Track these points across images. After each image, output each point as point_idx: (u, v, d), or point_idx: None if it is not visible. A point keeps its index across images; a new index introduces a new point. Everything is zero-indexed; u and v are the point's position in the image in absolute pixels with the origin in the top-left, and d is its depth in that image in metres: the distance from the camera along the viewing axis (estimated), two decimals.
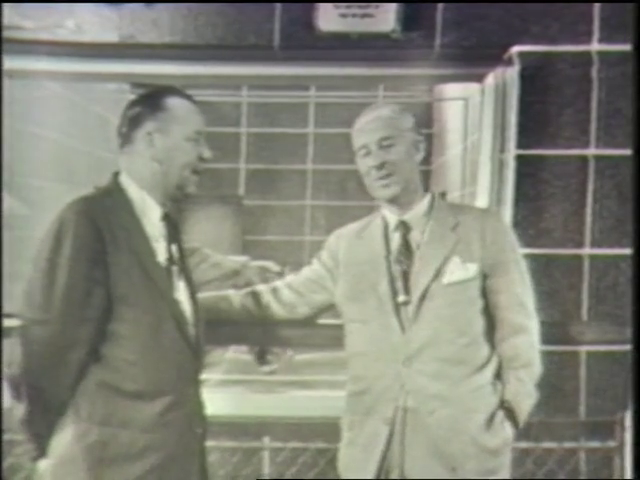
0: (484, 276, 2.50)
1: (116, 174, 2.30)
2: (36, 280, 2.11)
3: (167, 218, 2.31)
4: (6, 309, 2.90)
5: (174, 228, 2.34)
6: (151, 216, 2.27)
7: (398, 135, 2.51)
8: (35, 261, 2.13)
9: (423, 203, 2.57)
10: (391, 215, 2.58)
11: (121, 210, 2.22)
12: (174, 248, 2.31)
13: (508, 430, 2.47)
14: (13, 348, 2.12)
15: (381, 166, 2.49)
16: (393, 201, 2.54)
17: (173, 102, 2.29)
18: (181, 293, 2.30)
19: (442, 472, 2.41)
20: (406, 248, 2.53)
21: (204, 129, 2.34)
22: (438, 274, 2.47)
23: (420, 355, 2.44)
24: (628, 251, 3.42)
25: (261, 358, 5.57)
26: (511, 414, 2.47)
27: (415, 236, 2.54)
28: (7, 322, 2.63)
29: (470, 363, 2.46)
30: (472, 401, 2.45)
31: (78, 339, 2.10)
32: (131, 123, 2.28)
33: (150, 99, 2.31)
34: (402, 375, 2.44)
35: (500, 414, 2.46)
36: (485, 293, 2.51)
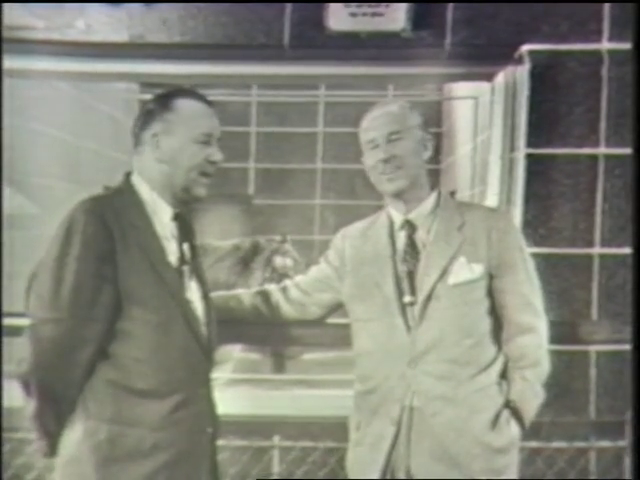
0: (490, 276, 2.49)
1: (128, 174, 2.30)
2: (45, 278, 2.11)
3: (179, 218, 2.31)
4: (16, 308, 2.91)
5: (187, 228, 2.34)
6: (162, 216, 2.26)
7: (406, 131, 2.52)
8: (44, 260, 2.13)
9: (429, 201, 2.57)
10: (397, 214, 2.57)
11: (132, 209, 2.22)
12: (186, 248, 2.30)
13: (514, 430, 2.47)
14: (23, 346, 2.13)
15: (388, 160, 2.49)
16: (399, 196, 2.54)
17: (181, 103, 2.28)
18: (193, 293, 2.30)
19: (448, 472, 2.42)
20: (412, 247, 2.53)
21: (216, 131, 2.31)
22: (444, 275, 2.46)
23: (426, 356, 2.44)
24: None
25: (279, 365, 5.58)
26: (517, 414, 2.47)
27: (421, 235, 2.53)
28: (16, 321, 2.64)
29: (476, 363, 2.46)
30: (477, 401, 2.44)
31: (87, 337, 2.11)
32: (141, 124, 2.28)
33: (161, 100, 2.30)
34: (407, 376, 2.44)
35: (505, 414, 2.46)
36: (491, 293, 2.50)
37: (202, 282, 2.36)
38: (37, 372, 2.11)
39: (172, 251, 2.26)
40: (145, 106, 2.31)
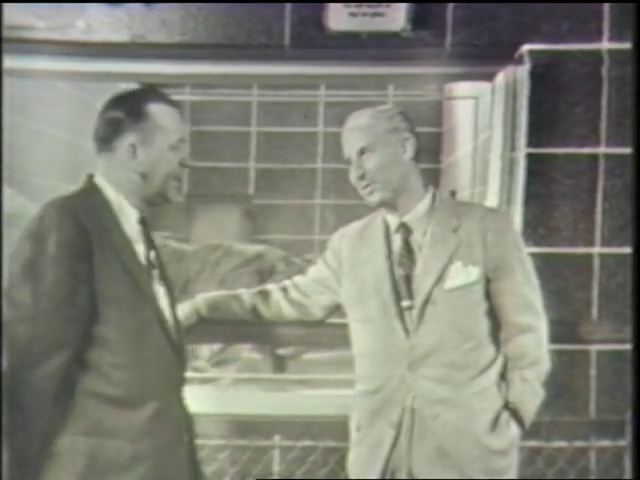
0: (487, 279, 2.48)
1: (91, 176, 2.23)
2: (18, 281, 2.03)
3: (144, 222, 2.25)
4: None
5: (149, 233, 2.28)
6: (129, 218, 2.21)
7: (376, 142, 2.47)
8: (15, 262, 2.05)
9: (423, 203, 2.53)
10: (391, 217, 2.55)
11: (100, 210, 2.16)
12: (152, 253, 2.26)
13: (514, 430, 2.47)
14: None
15: (362, 176, 2.47)
16: (386, 205, 2.51)
17: (154, 109, 2.21)
18: (161, 298, 2.25)
19: (449, 473, 2.42)
20: (407, 251, 2.50)
21: (186, 134, 2.28)
22: (440, 279, 2.44)
23: (425, 360, 2.43)
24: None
25: (279, 365, 5.58)
26: (516, 414, 2.47)
27: (416, 238, 2.51)
28: None
29: (475, 366, 2.46)
30: (477, 403, 2.44)
31: (62, 341, 2.02)
32: (111, 130, 2.21)
33: (131, 105, 2.23)
34: (407, 379, 2.44)
35: (505, 415, 2.46)
36: (489, 295, 2.49)
37: (169, 286, 2.31)
38: (8, 383, 2.00)
39: (140, 254, 2.21)
40: (110, 110, 2.24)
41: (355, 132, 2.50)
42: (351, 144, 2.50)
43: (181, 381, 2.29)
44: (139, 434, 2.11)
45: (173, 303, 2.31)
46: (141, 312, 2.15)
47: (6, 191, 4.33)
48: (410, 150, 2.51)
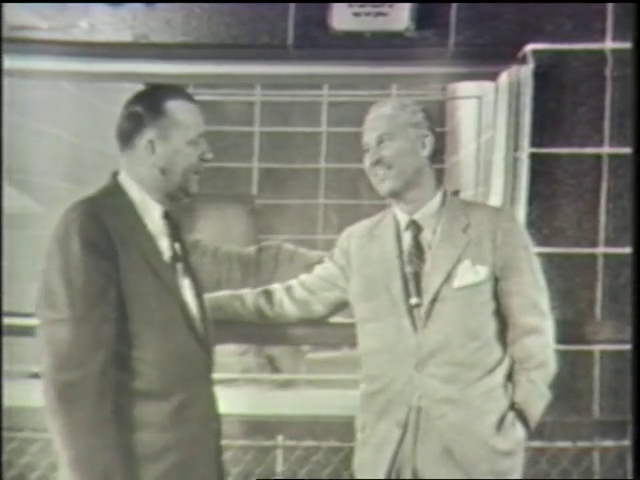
0: (496, 279, 2.48)
1: (115, 174, 2.29)
2: (55, 285, 2.08)
3: (168, 216, 2.31)
4: (16, 308, 2.91)
5: (175, 226, 2.34)
6: (153, 215, 2.26)
7: (397, 131, 2.50)
8: (49, 271, 2.10)
9: (434, 201, 2.55)
10: (402, 214, 2.56)
11: (123, 209, 2.22)
12: (177, 246, 2.30)
13: (519, 432, 2.47)
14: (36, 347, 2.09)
15: (377, 162, 2.50)
16: (397, 197, 2.53)
17: (174, 106, 2.26)
18: (186, 290, 2.29)
19: (453, 473, 2.42)
20: (417, 249, 2.52)
21: (204, 129, 2.33)
22: (449, 277, 2.46)
23: (432, 359, 2.44)
24: None
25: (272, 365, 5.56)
26: (522, 416, 2.47)
27: (426, 236, 2.52)
28: (16, 321, 2.64)
29: (482, 366, 2.46)
30: (483, 403, 2.44)
31: (102, 340, 2.07)
32: (132, 127, 2.26)
33: (150, 102, 2.27)
34: (414, 378, 2.44)
35: (511, 416, 2.46)
36: (497, 295, 2.50)
37: (195, 280, 2.35)
38: (55, 386, 2.04)
39: (165, 249, 2.26)
40: (131, 107, 2.28)
41: (378, 120, 2.53)
42: (371, 131, 2.53)
43: (208, 372, 2.32)
44: (168, 424, 2.15)
45: (199, 295, 2.35)
46: (166, 307, 2.19)
47: (9, 191, 4.34)
48: (428, 147, 2.54)
